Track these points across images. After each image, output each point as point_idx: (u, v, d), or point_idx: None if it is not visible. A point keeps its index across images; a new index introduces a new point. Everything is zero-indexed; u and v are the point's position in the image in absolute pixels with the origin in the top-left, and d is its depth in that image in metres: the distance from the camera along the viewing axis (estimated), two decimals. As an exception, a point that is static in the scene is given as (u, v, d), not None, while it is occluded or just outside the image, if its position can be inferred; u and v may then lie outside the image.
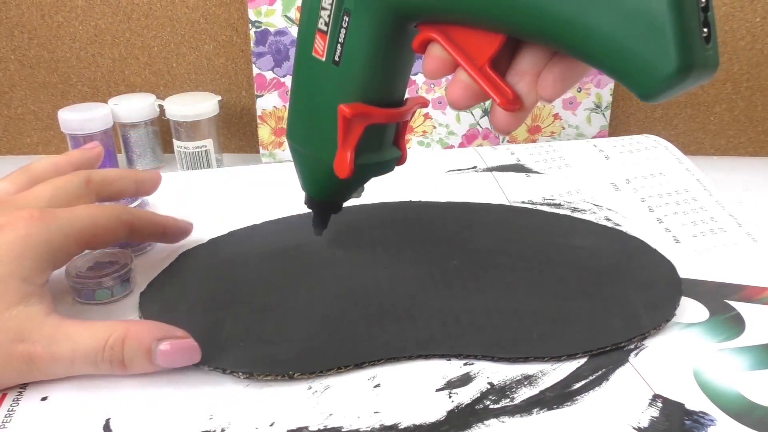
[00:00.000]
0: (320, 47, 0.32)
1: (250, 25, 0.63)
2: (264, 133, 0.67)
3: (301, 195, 0.38)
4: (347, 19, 0.31)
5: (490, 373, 0.34)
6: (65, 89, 0.72)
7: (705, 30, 0.25)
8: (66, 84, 0.72)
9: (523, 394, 0.32)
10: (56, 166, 0.41)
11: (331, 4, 0.31)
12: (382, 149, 0.36)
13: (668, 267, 0.41)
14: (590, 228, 0.47)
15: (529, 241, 0.45)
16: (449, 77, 0.31)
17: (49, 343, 0.31)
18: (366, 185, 0.38)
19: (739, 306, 0.38)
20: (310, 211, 0.39)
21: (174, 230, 0.43)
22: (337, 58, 0.32)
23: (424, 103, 0.37)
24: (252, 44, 0.64)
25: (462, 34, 0.30)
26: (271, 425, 0.30)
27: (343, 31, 0.32)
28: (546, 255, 0.43)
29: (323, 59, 0.33)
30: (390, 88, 0.34)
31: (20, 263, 0.32)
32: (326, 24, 0.32)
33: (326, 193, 0.38)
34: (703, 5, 0.25)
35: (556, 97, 0.30)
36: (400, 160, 0.37)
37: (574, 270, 0.41)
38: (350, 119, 0.32)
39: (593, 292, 0.39)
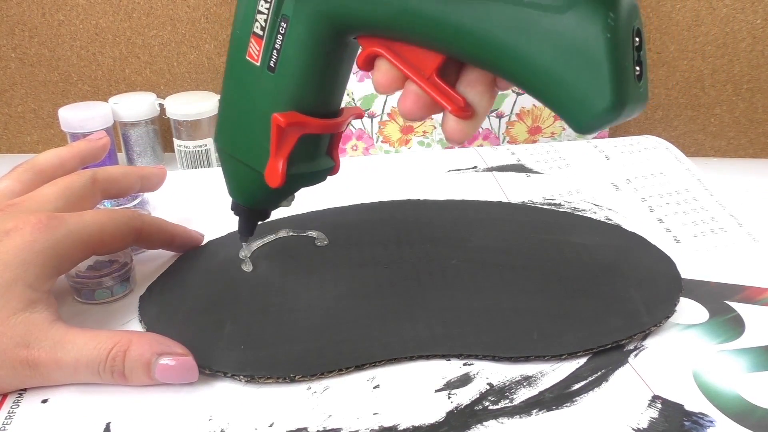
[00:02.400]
0: (255, 51, 0.32)
1: (250, 24, 0.63)
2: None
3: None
4: (285, 26, 0.31)
5: (489, 373, 0.34)
6: (66, 88, 0.72)
7: (638, 68, 0.27)
8: (66, 82, 0.72)
9: (523, 394, 0.32)
10: (61, 159, 0.40)
11: (269, 9, 0.31)
12: (315, 159, 0.35)
13: (667, 263, 0.41)
14: (589, 224, 0.47)
15: (528, 238, 0.44)
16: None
17: (53, 350, 0.31)
18: (313, 190, 0.37)
19: (739, 307, 0.38)
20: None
21: (183, 239, 0.43)
22: (272, 64, 0.31)
23: (360, 114, 0.37)
24: (252, 43, 0.64)
25: (406, 49, 0.30)
26: (271, 426, 0.31)
27: (279, 37, 0.31)
28: (545, 253, 0.43)
29: (257, 64, 0.32)
30: (326, 98, 0.33)
31: (26, 269, 0.32)
32: (262, 28, 0.31)
33: (255, 201, 0.37)
34: (636, 45, 0.26)
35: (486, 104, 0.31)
36: (333, 170, 0.37)
37: (573, 268, 0.41)
38: (284, 129, 0.32)
39: (593, 290, 0.39)
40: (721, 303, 0.39)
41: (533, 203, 0.50)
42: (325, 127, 0.34)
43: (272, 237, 0.45)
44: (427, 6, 0.28)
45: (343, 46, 0.32)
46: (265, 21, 0.31)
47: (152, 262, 0.43)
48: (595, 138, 0.67)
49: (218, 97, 0.66)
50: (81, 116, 0.62)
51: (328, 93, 0.33)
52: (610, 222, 0.47)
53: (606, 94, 0.25)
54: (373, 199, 0.50)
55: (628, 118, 0.27)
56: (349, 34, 0.31)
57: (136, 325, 0.37)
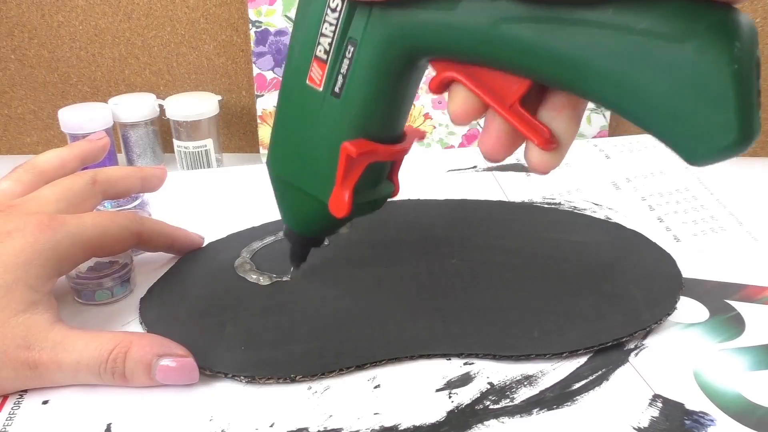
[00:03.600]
0: (317, 76, 0.30)
1: (250, 24, 0.63)
2: (264, 132, 0.67)
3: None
4: (352, 49, 0.29)
5: (489, 373, 0.34)
6: (65, 89, 0.72)
7: (758, 98, 0.24)
8: (66, 83, 0.72)
9: (523, 394, 0.32)
10: (61, 160, 0.40)
11: (334, 32, 0.29)
12: (379, 185, 0.34)
13: (668, 260, 0.41)
14: (589, 222, 0.47)
15: (528, 237, 0.44)
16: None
17: (54, 352, 0.32)
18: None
19: (740, 306, 0.38)
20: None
21: (183, 243, 0.43)
22: (337, 90, 0.30)
23: (422, 137, 0.35)
24: (252, 44, 0.64)
25: (485, 73, 0.27)
26: (271, 426, 0.31)
27: (346, 61, 0.29)
28: (546, 251, 0.43)
29: (320, 89, 0.30)
30: (393, 123, 0.32)
31: (27, 270, 0.32)
32: (326, 52, 0.29)
33: (313, 230, 0.36)
34: (757, 72, 0.24)
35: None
36: (393, 194, 0.35)
37: (573, 266, 0.41)
38: (354, 158, 0.30)
39: (593, 288, 0.39)
40: (722, 302, 0.39)
41: (533, 202, 0.50)
42: (394, 154, 0.32)
43: (272, 238, 0.45)
44: (520, 32, 0.25)
45: (413, 68, 0.30)
46: (330, 44, 0.29)
47: (153, 263, 0.43)
48: (594, 137, 0.67)
49: (217, 97, 0.66)
50: (81, 117, 0.62)
51: (395, 117, 0.32)
52: (610, 221, 0.47)
53: (732, 130, 0.23)
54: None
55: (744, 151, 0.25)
56: (422, 57, 0.29)
57: (136, 327, 0.37)
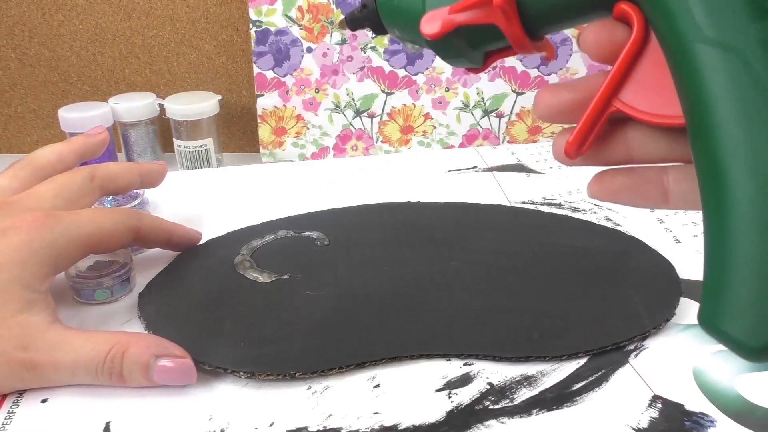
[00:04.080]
0: None
1: (250, 24, 0.63)
2: (264, 132, 0.67)
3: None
4: None
5: (489, 373, 0.34)
6: (65, 88, 0.72)
7: None
8: (66, 83, 0.72)
9: (523, 394, 0.32)
10: (59, 155, 0.40)
11: None
12: (476, 49, 0.28)
13: (667, 267, 0.41)
14: (589, 228, 0.47)
15: (528, 241, 0.44)
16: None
17: (51, 352, 0.31)
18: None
19: (739, 307, 0.38)
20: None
21: (181, 238, 0.43)
22: None
23: (549, 57, 0.29)
24: (252, 44, 0.64)
25: (655, 71, 0.23)
26: (271, 425, 0.30)
27: None
28: (546, 255, 0.43)
29: None
30: (550, 17, 0.26)
31: (23, 269, 0.32)
32: None
33: (391, 12, 0.30)
34: None
35: (604, 200, 0.26)
36: (474, 69, 0.30)
37: (574, 270, 0.41)
38: (493, 5, 0.24)
39: (593, 292, 0.39)
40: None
41: (533, 203, 0.50)
42: (519, 40, 0.26)
43: (272, 237, 0.45)
44: None
45: None
46: None
47: (153, 263, 0.43)
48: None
49: (218, 97, 0.66)
50: (81, 116, 0.62)
51: (556, 14, 0.26)
52: (609, 222, 0.47)
53: None
54: (373, 199, 0.50)
55: None
56: None
57: (136, 325, 0.37)
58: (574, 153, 0.25)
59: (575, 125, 0.25)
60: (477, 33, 0.27)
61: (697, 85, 0.21)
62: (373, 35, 0.32)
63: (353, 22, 0.32)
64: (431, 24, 0.27)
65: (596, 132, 0.25)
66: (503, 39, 0.27)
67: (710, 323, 0.21)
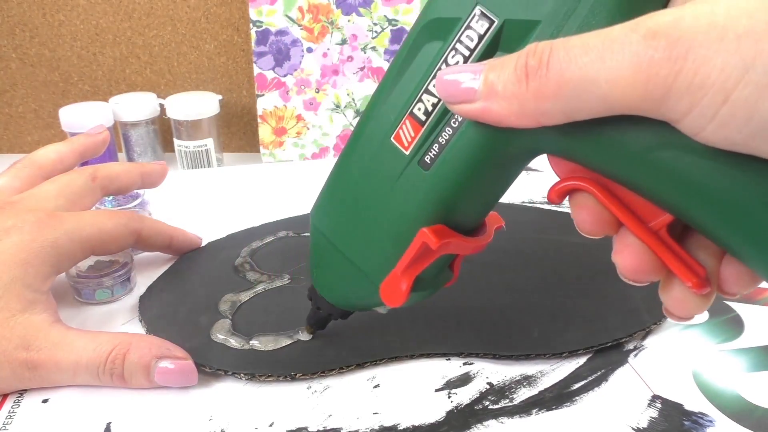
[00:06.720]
0: (407, 137, 0.24)
1: (251, 24, 0.63)
2: (264, 132, 0.67)
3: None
4: (460, 120, 0.23)
5: (489, 373, 0.34)
6: (66, 88, 0.72)
7: None
8: (67, 83, 0.72)
9: (523, 394, 0.32)
10: (60, 155, 0.40)
11: None
12: (440, 275, 0.29)
13: None
14: None
15: (528, 238, 0.45)
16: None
17: (53, 352, 0.31)
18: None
19: (739, 307, 0.38)
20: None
21: (181, 243, 0.43)
22: (427, 160, 0.24)
23: (501, 225, 0.29)
24: (253, 44, 0.64)
25: (621, 189, 0.22)
26: (271, 425, 0.31)
27: (448, 131, 0.24)
28: (545, 252, 0.43)
29: (406, 152, 0.24)
30: (481, 212, 0.26)
31: (25, 269, 0.32)
32: (427, 113, 0.24)
33: (347, 304, 0.31)
34: None
35: (746, 291, 0.23)
36: (449, 282, 0.30)
37: (573, 267, 0.41)
38: (433, 250, 0.25)
39: (593, 289, 0.39)
40: (721, 303, 0.39)
41: (533, 202, 0.50)
42: (474, 248, 0.27)
43: (272, 238, 0.45)
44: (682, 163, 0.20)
45: (528, 157, 0.24)
46: (434, 106, 0.24)
47: (152, 262, 0.43)
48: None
49: (218, 97, 0.66)
50: (82, 116, 0.62)
51: (486, 206, 0.26)
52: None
53: None
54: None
55: None
56: (544, 152, 0.24)
57: (136, 325, 0.37)
58: (703, 284, 0.22)
59: (663, 277, 0.23)
60: (433, 268, 0.27)
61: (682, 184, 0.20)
62: None
63: (319, 322, 0.34)
64: (393, 294, 0.26)
65: (685, 255, 0.22)
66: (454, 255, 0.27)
67: None
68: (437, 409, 0.31)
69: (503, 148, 0.23)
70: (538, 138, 0.22)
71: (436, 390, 0.33)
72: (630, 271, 0.23)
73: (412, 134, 0.24)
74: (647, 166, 0.20)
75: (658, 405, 0.31)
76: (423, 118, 0.24)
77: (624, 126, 0.20)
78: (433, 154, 0.24)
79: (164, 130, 0.70)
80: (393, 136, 0.25)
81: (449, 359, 0.35)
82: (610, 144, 0.21)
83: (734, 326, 0.37)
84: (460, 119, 0.23)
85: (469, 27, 0.23)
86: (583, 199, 0.23)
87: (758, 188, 0.19)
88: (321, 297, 0.31)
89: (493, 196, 0.26)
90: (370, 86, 0.65)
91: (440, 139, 0.24)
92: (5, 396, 0.32)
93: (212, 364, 0.33)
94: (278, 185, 0.54)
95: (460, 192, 0.24)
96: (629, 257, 0.23)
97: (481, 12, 0.22)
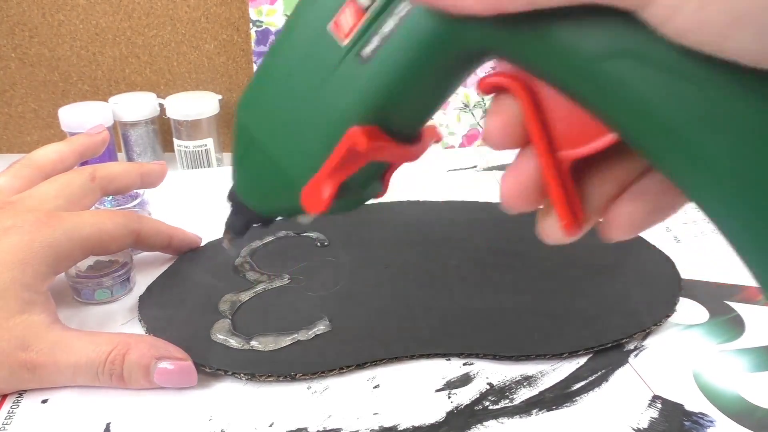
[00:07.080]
0: (346, 25, 0.22)
1: (251, 24, 0.63)
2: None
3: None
4: (407, 9, 0.21)
5: (489, 373, 0.34)
6: (66, 88, 0.72)
7: None
8: (66, 82, 0.72)
9: (523, 394, 0.32)
10: (60, 155, 0.40)
11: None
12: (369, 186, 0.27)
13: (667, 263, 0.41)
14: None
15: (528, 239, 0.44)
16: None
17: (52, 353, 0.31)
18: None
19: (740, 307, 0.38)
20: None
21: (181, 242, 0.43)
22: (368, 52, 0.22)
23: (438, 139, 0.28)
24: (253, 43, 0.64)
25: (557, 101, 0.21)
26: (271, 426, 0.31)
27: (393, 20, 0.21)
28: (545, 253, 0.43)
29: (343, 43, 0.22)
30: (420, 116, 0.25)
31: (24, 270, 0.32)
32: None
33: (266, 207, 0.28)
34: None
35: (629, 236, 0.23)
36: (378, 195, 0.28)
37: (573, 267, 0.41)
38: (360, 152, 0.23)
39: (593, 290, 0.39)
40: (721, 303, 0.39)
41: (533, 203, 0.50)
42: (405, 157, 0.25)
43: (271, 238, 0.45)
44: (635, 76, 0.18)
45: (475, 60, 0.22)
46: None
47: (152, 262, 0.43)
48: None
49: (218, 97, 0.66)
50: (81, 116, 0.62)
51: (426, 110, 0.24)
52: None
53: None
54: (373, 199, 0.50)
55: None
56: (492, 54, 0.22)
57: (136, 325, 0.37)
58: (576, 228, 0.22)
59: (546, 204, 0.23)
60: (361, 175, 0.25)
61: (621, 101, 0.19)
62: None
63: (238, 228, 0.31)
64: (315, 200, 0.24)
65: (574, 195, 0.22)
66: (384, 163, 0.26)
67: None
68: (437, 409, 0.31)
69: (450, 44, 0.21)
70: (489, 34, 0.20)
71: (436, 390, 0.33)
72: (513, 194, 0.22)
73: (352, 22, 0.22)
74: (597, 74, 0.19)
75: (659, 405, 0.31)
76: (366, 3, 0.22)
77: (583, 24, 0.18)
78: (374, 46, 0.22)
79: (164, 130, 0.70)
80: (331, 24, 0.22)
81: (449, 359, 0.35)
82: (564, 47, 0.19)
83: (735, 327, 0.37)
84: (407, 8, 0.21)
85: None
86: (506, 103, 0.21)
87: (710, 106, 0.17)
88: (240, 200, 0.29)
89: (432, 101, 0.24)
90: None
91: (382, 30, 0.21)
92: (4, 396, 0.32)
93: (212, 364, 0.33)
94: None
95: (398, 91, 0.22)
96: (519, 179, 0.22)
97: None
